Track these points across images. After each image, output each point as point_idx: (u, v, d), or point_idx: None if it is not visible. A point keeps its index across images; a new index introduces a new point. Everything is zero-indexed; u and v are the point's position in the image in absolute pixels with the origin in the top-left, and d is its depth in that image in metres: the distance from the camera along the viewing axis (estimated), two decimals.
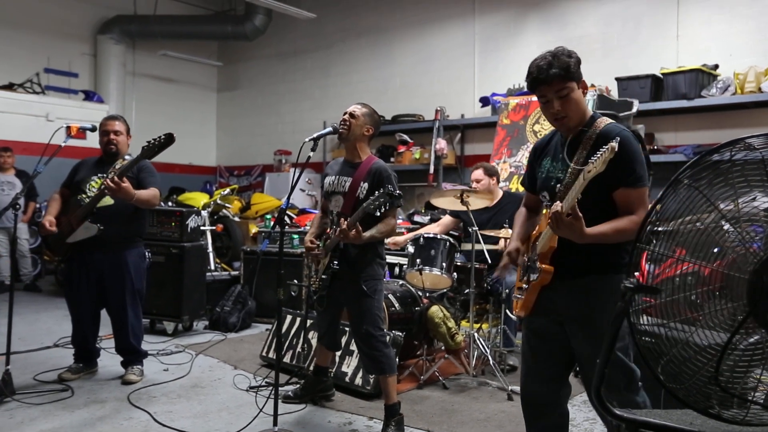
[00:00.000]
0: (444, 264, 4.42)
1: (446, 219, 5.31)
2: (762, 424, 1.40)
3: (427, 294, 4.55)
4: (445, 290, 4.67)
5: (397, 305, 4.42)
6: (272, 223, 6.85)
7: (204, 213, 7.27)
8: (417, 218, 7.09)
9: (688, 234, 1.44)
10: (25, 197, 7.25)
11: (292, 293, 5.86)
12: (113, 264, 4.11)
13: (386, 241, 4.23)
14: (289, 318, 4.69)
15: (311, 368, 4.02)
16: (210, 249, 7.11)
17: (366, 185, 3.34)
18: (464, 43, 8.64)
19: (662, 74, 6.53)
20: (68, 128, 4.14)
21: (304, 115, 10.50)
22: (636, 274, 1.44)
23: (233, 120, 11.86)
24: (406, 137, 8.73)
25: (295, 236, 6.22)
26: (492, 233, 4.52)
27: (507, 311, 4.55)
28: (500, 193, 5.04)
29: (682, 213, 1.45)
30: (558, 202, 2.12)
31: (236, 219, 8.43)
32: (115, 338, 4.28)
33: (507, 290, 4.46)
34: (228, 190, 8.76)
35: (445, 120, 8.44)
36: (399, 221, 6.68)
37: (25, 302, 6.91)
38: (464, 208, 4.41)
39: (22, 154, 7.93)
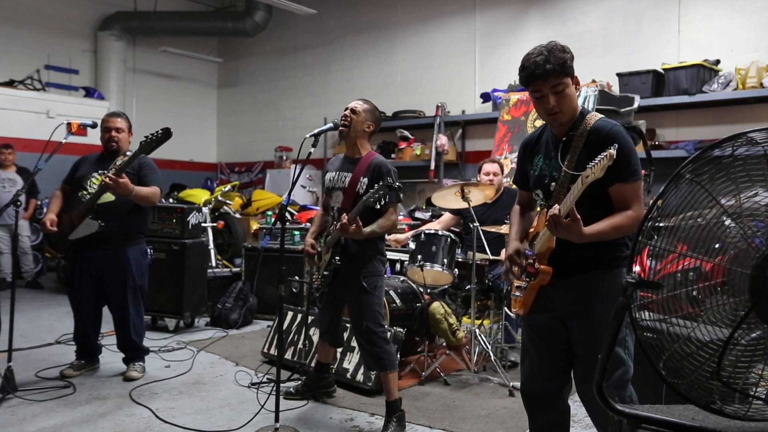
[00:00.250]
0: (445, 260, 4.42)
1: (446, 216, 5.30)
2: (764, 419, 1.39)
3: (429, 290, 4.55)
4: (446, 286, 4.67)
5: (398, 301, 4.42)
6: (273, 219, 6.84)
7: (205, 210, 7.27)
8: (418, 214, 7.09)
9: (689, 229, 1.44)
10: (26, 194, 7.25)
11: (294, 290, 5.86)
12: (115, 261, 4.11)
13: (387, 238, 4.23)
14: (290, 314, 4.69)
15: (313, 364, 4.02)
16: (211, 246, 7.11)
17: (366, 180, 3.34)
18: (465, 39, 8.62)
19: (663, 70, 6.52)
20: (69, 125, 4.14)
21: (305, 111, 10.49)
22: (637, 269, 1.43)
23: (234, 116, 11.85)
24: (406, 133, 8.72)
25: (296, 233, 6.22)
26: (493, 229, 4.51)
27: (507, 307, 4.55)
28: (501, 189, 5.03)
29: (684, 208, 1.45)
30: (556, 205, 2.12)
31: (237, 216, 8.44)
32: (116, 335, 4.28)
33: (508, 286, 4.45)
34: (229, 186, 8.76)
35: (446, 116, 8.43)
36: (400, 217, 6.68)
37: (26, 299, 6.93)
38: (465, 206, 4.40)
39: (22, 151, 7.93)
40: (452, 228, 5.20)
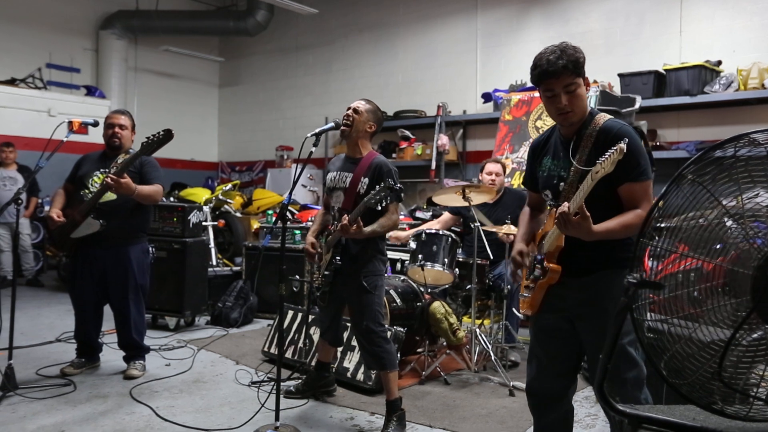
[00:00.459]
0: (446, 260, 4.42)
1: (445, 216, 5.30)
2: (765, 420, 1.39)
3: (429, 290, 4.55)
4: (446, 286, 4.67)
5: (398, 301, 4.42)
6: (274, 218, 6.85)
7: (206, 208, 7.28)
8: (419, 214, 7.09)
9: (690, 230, 1.44)
10: (27, 192, 7.25)
11: (294, 289, 5.86)
12: (116, 259, 4.11)
13: (388, 235, 4.23)
14: (290, 313, 4.69)
15: (313, 364, 4.02)
16: (212, 244, 7.12)
17: (366, 180, 3.34)
18: (466, 39, 8.62)
19: (665, 70, 6.51)
20: (70, 123, 4.14)
21: (306, 110, 10.49)
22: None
23: (235, 115, 11.85)
24: (407, 133, 8.72)
25: (297, 232, 6.22)
26: (494, 229, 4.51)
27: (513, 308, 4.56)
28: (502, 190, 5.03)
29: (686, 209, 1.45)
30: (565, 203, 2.12)
31: (238, 215, 8.44)
32: (117, 333, 4.29)
33: (509, 286, 4.46)
34: (230, 185, 8.77)
35: (447, 116, 8.43)
36: (401, 217, 6.68)
37: (27, 297, 6.93)
38: (466, 204, 4.40)
39: (24, 150, 7.94)
40: (453, 228, 5.20)
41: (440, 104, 8.42)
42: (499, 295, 4.56)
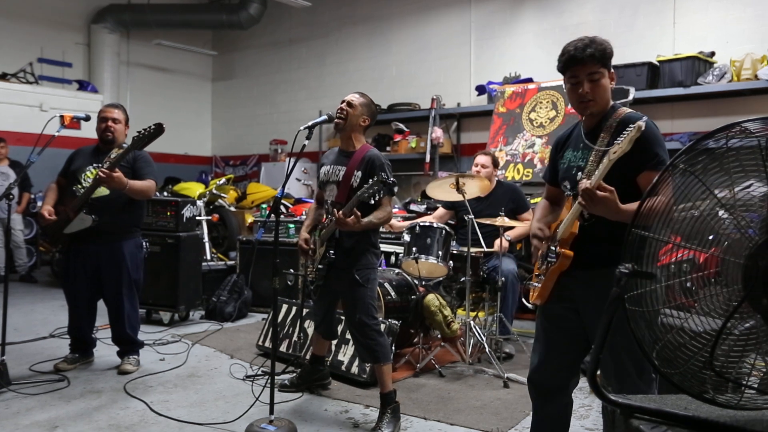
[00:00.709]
0: (440, 252, 4.42)
1: (440, 211, 5.30)
2: (757, 408, 1.40)
3: (423, 282, 4.55)
4: (441, 278, 4.67)
5: (393, 294, 4.42)
6: (268, 212, 6.83)
7: (200, 203, 7.26)
8: (413, 207, 7.08)
9: (683, 221, 1.43)
10: (19, 188, 7.22)
11: (288, 282, 5.86)
12: (110, 254, 4.10)
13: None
14: (285, 307, 4.69)
15: (308, 357, 4.03)
16: (206, 239, 7.10)
17: (360, 174, 3.33)
18: (460, 32, 8.60)
19: (658, 62, 6.51)
20: (62, 118, 4.12)
21: (300, 104, 10.46)
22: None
23: (228, 110, 11.81)
24: (402, 126, 8.70)
25: (291, 225, 6.21)
26: (488, 221, 4.51)
27: (503, 299, 4.56)
28: (494, 183, 5.02)
29: (678, 200, 1.45)
30: (584, 180, 2.10)
31: (232, 209, 8.42)
32: (111, 328, 4.27)
33: (503, 278, 4.46)
34: (224, 179, 8.74)
35: (442, 109, 8.42)
36: (395, 210, 6.67)
37: (20, 293, 6.90)
38: (459, 198, 4.39)
39: (15, 145, 7.89)
40: (447, 222, 5.19)
41: (434, 97, 8.41)
42: (494, 288, 4.57)
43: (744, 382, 1.38)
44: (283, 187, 3.30)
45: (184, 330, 5.38)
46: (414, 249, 4.43)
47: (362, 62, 9.70)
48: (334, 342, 4.08)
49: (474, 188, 4.53)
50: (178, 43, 10.87)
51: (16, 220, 7.56)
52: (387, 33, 9.41)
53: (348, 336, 4.01)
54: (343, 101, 3.44)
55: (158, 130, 3.75)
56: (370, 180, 3.15)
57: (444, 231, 4.48)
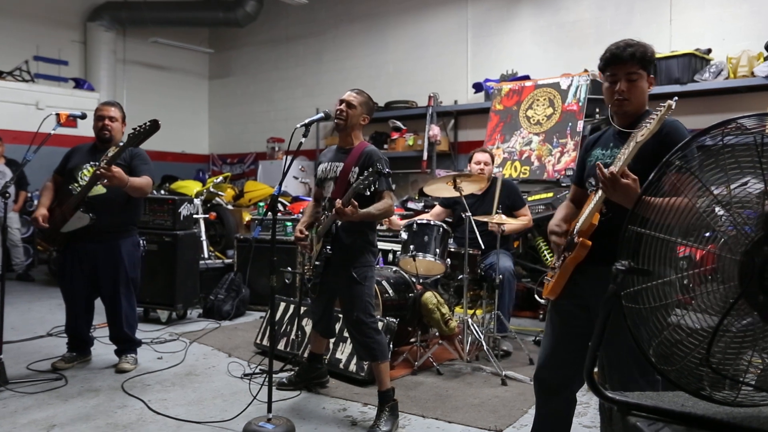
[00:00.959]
0: (437, 250, 4.42)
1: (437, 209, 5.29)
2: (754, 405, 1.40)
3: (421, 280, 4.55)
4: (438, 276, 4.67)
5: (390, 291, 4.42)
6: (265, 210, 6.83)
7: (197, 201, 7.25)
8: (411, 205, 7.08)
9: (680, 217, 1.43)
10: (16, 186, 7.20)
11: (286, 280, 5.86)
12: (107, 253, 4.09)
13: (384, 221, 4.24)
14: (282, 305, 4.69)
15: (306, 355, 4.02)
16: (203, 237, 7.09)
17: (357, 169, 3.33)
18: (457, 29, 8.59)
19: (655, 59, 6.51)
20: (58, 116, 4.10)
21: (297, 102, 10.45)
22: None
23: (225, 107, 11.79)
24: (399, 124, 8.70)
25: (288, 223, 6.21)
26: (485, 218, 4.51)
27: (500, 296, 4.57)
28: (490, 180, 5.02)
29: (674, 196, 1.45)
30: (611, 167, 2.09)
31: (229, 207, 8.41)
32: (109, 327, 4.27)
33: (500, 276, 4.47)
34: (221, 178, 8.73)
35: (439, 106, 8.41)
36: (394, 208, 6.67)
37: (17, 292, 6.89)
38: (456, 194, 4.40)
39: (11, 143, 7.87)
40: (445, 219, 5.19)
41: (431, 94, 8.40)
42: (491, 285, 4.57)
43: (741, 379, 1.38)
44: (281, 184, 3.29)
45: (182, 328, 5.38)
46: (411, 247, 4.43)
47: (359, 60, 9.69)
48: (332, 340, 4.07)
49: (471, 186, 4.54)
50: (175, 40, 10.84)
51: (13, 218, 7.54)
52: (384, 30, 9.40)
53: (346, 334, 4.01)
54: (341, 101, 3.44)
55: (153, 126, 3.74)
56: (366, 171, 3.15)
57: (441, 228, 4.48)
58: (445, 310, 4.34)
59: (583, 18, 7.45)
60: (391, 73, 9.32)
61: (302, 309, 4.42)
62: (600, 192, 2.18)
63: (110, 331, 4.27)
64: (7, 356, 3.84)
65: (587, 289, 2.30)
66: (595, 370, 1.82)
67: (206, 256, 7.00)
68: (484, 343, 4.31)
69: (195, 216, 6.47)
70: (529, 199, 5.82)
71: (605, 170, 2.06)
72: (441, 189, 4.62)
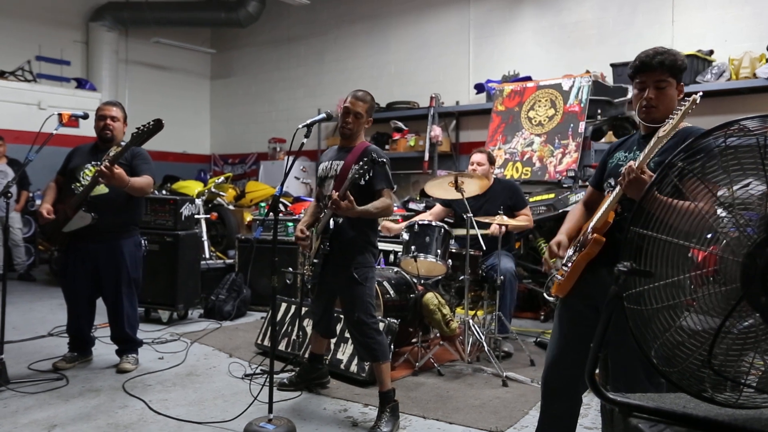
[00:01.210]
0: (439, 251, 4.42)
1: (437, 208, 5.29)
2: (755, 407, 1.40)
3: (422, 281, 4.55)
4: (439, 277, 4.67)
5: (391, 292, 4.42)
6: (266, 210, 6.83)
7: (198, 201, 7.25)
8: (412, 205, 7.08)
9: (681, 219, 1.43)
10: (18, 186, 7.21)
11: (287, 281, 5.85)
12: (109, 253, 4.09)
13: (380, 225, 4.22)
14: (284, 306, 4.69)
15: (306, 356, 4.02)
16: (205, 237, 7.09)
17: (357, 167, 3.33)
18: (459, 30, 8.59)
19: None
20: (60, 116, 4.11)
21: (299, 102, 10.45)
22: None
23: (227, 108, 11.80)
24: (400, 124, 8.70)
25: (290, 224, 6.21)
26: (487, 219, 4.51)
27: (501, 297, 4.56)
28: (491, 180, 5.01)
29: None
30: (631, 161, 2.10)
31: (231, 207, 8.41)
32: (110, 327, 4.27)
33: (502, 277, 4.46)
34: (222, 178, 8.73)
35: (440, 107, 8.41)
36: (394, 209, 6.67)
37: (18, 292, 6.89)
38: (458, 196, 4.39)
39: (13, 143, 7.87)
40: (445, 219, 5.19)
41: (433, 95, 8.40)
42: (492, 286, 4.57)
43: (742, 381, 1.38)
44: (282, 185, 3.29)
45: (183, 328, 5.38)
46: (413, 247, 4.43)
47: (361, 60, 9.70)
48: (333, 340, 4.07)
49: (473, 186, 4.53)
50: (177, 41, 10.85)
51: (15, 218, 7.55)
52: (386, 31, 9.40)
53: (347, 335, 4.01)
54: (348, 113, 3.43)
55: (157, 126, 3.74)
56: (361, 161, 3.16)
57: (443, 229, 4.47)
58: (446, 310, 4.33)
59: (585, 19, 7.44)
60: (392, 74, 9.32)
61: (303, 309, 4.41)
62: (617, 189, 2.18)
63: (111, 331, 4.27)
64: (8, 356, 3.84)
65: (596, 289, 2.29)
66: (596, 371, 1.82)
67: (207, 256, 7.00)
68: (485, 344, 4.30)
69: (196, 216, 6.48)
70: (531, 200, 5.81)
71: (627, 165, 2.08)
72: (442, 190, 4.61)
